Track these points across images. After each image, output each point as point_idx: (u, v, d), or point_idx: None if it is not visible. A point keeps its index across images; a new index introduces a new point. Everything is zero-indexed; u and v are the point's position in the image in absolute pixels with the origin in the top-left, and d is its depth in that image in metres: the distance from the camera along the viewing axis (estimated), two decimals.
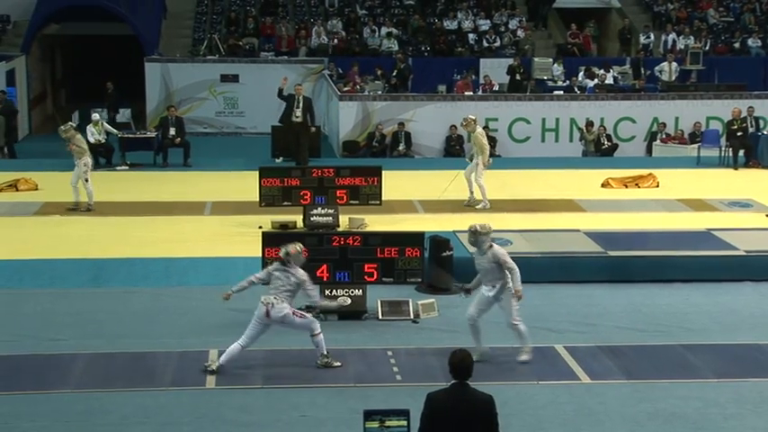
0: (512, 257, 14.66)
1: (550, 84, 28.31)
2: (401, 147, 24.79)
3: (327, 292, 13.01)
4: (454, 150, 24.57)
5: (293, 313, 11.06)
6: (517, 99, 26.06)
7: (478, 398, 7.31)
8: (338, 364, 11.30)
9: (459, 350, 7.50)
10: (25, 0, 30.92)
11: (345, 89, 26.51)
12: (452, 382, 7.35)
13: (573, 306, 13.67)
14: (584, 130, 25.10)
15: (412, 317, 13.00)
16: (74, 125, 19.21)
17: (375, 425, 7.54)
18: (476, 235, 11.35)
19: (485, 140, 18.83)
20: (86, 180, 18.21)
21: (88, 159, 18.35)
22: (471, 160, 18.87)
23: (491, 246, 11.38)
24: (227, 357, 11.06)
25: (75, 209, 18.26)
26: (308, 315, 11.34)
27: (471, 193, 18.89)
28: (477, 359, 11.22)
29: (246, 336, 11.06)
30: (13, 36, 31.24)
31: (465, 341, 11.55)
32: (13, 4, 31.54)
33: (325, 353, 11.27)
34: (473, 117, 18.79)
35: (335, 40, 30.41)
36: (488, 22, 31.64)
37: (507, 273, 11.31)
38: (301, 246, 11.31)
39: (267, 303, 10.95)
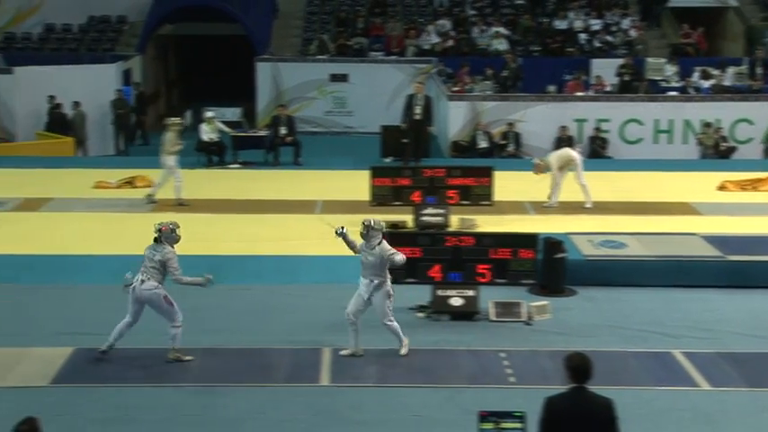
0: (626, 260, 14.69)
1: (664, 84, 27.77)
2: (510, 147, 24.63)
3: (439, 292, 12.99)
4: None
5: (164, 297, 11.11)
6: (629, 100, 25.62)
7: (598, 401, 7.19)
8: (189, 357, 11.33)
9: (577, 353, 7.38)
10: (141, 1, 31.64)
11: (455, 89, 26.44)
12: (571, 385, 7.22)
13: (690, 311, 13.38)
14: (703, 132, 24.58)
15: (525, 319, 12.88)
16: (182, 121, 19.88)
17: (490, 426, 7.48)
18: (368, 229, 11.55)
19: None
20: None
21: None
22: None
23: (380, 242, 11.51)
24: (116, 335, 11.26)
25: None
26: (176, 305, 11.24)
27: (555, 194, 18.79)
28: (348, 355, 11.47)
29: (129, 312, 11.25)
30: (129, 36, 31.96)
31: (579, 344, 11.43)
32: (130, 5, 32.26)
33: (176, 347, 11.28)
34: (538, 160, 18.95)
35: (450, 42, 30.23)
36: (600, 21, 31.20)
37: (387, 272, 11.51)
38: (176, 224, 11.35)
39: (135, 280, 11.08)
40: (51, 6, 32.12)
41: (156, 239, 11.25)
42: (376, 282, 11.47)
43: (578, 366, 7.18)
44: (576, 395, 7.17)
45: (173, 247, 11.26)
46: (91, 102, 26.36)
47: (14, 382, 10.84)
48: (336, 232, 11.76)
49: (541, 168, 18.64)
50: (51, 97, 25.83)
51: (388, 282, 11.54)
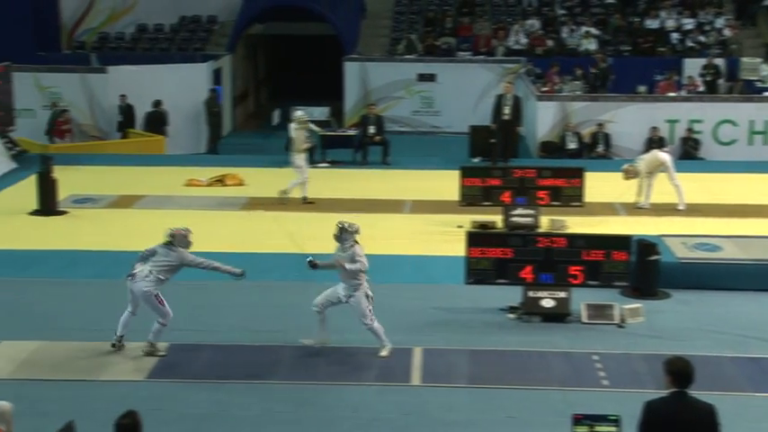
0: (722, 263, 14.39)
1: (759, 85, 27.18)
2: (600, 148, 24.33)
3: (531, 293, 12.88)
4: None
5: (155, 296, 11.24)
6: (723, 100, 25.12)
7: (700, 407, 7.06)
8: (162, 353, 11.45)
9: (678, 358, 7.23)
10: (231, 1, 31.99)
11: (544, 89, 26.23)
12: (672, 390, 7.08)
13: None
14: None
15: (618, 321, 12.69)
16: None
17: (584, 430, 7.38)
18: (342, 232, 11.45)
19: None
20: None
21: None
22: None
23: (353, 245, 11.37)
24: (122, 327, 11.57)
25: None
26: (167, 305, 11.34)
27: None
28: (315, 344, 11.49)
29: (130, 303, 11.51)
30: (219, 36, 32.33)
31: (673, 348, 11.21)
32: (221, 6, 32.64)
33: (154, 342, 11.45)
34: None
35: (551, 42, 29.94)
36: (693, 20, 30.63)
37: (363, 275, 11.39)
38: (188, 230, 11.49)
39: (133, 272, 11.33)
40: (144, 7, 32.66)
41: (168, 243, 11.41)
42: (352, 285, 11.43)
43: (680, 371, 7.04)
44: (678, 400, 7.04)
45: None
46: (182, 101, 26.73)
47: (111, 376, 11.04)
48: (309, 264, 11.60)
49: (631, 173, 18.38)
50: (122, 96, 26.25)
51: (365, 284, 11.49)
